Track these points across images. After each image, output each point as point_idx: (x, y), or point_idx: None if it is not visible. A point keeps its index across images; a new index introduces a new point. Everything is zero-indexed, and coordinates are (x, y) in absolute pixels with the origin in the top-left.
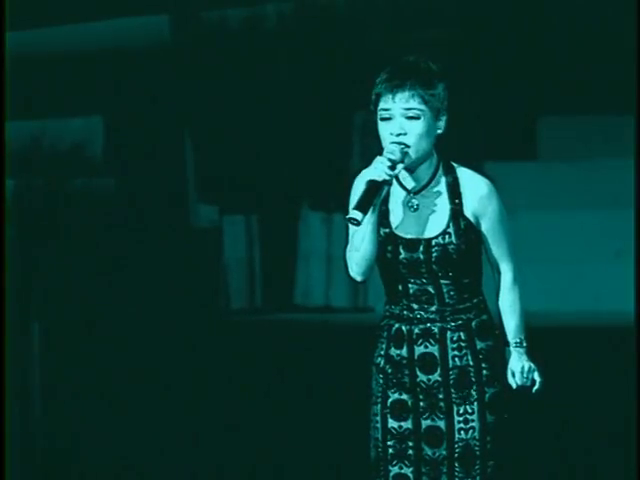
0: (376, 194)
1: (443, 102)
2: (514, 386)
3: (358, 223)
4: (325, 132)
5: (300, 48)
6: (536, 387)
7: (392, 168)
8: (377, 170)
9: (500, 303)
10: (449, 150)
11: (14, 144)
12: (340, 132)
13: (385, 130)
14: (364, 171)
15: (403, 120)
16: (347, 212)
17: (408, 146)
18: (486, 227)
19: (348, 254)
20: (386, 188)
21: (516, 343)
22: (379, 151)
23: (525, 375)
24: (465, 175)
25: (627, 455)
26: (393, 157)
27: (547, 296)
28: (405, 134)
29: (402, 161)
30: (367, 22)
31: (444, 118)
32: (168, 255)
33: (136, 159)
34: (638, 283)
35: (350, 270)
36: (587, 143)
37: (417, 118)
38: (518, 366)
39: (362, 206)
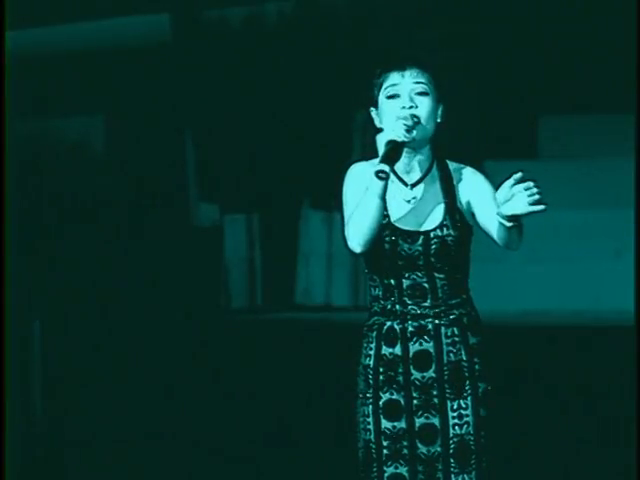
0: (398, 152)
1: (440, 88)
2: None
3: (386, 176)
4: (326, 131)
5: (300, 47)
6: (542, 207)
7: (408, 132)
8: (395, 132)
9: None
10: (449, 148)
11: (15, 144)
12: (341, 131)
13: (393, 106)
14: (380, 135)
15: (413, 95)
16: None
17: (419, 117)
18: (485, 199)
19: (350, 226)
20: (404, 151)
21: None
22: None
23: (530, 187)
24: (456, 169)
25: (627, 455)
26: (407, 122)
27: (547, 295)
28: (416, 107)
29: (414, 128)
30: (367, 20)
31: (441, 107)
32: (169, 254)
33: (137, 158)
34: (638, 282)
35: (351, 241)
36: (587, 142)
37: (426, 94)
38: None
39: (387, 160)
